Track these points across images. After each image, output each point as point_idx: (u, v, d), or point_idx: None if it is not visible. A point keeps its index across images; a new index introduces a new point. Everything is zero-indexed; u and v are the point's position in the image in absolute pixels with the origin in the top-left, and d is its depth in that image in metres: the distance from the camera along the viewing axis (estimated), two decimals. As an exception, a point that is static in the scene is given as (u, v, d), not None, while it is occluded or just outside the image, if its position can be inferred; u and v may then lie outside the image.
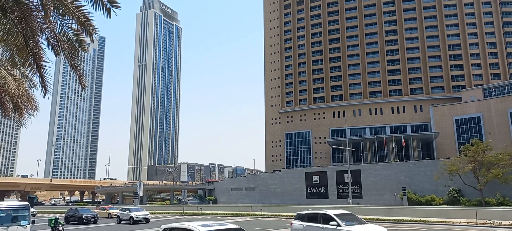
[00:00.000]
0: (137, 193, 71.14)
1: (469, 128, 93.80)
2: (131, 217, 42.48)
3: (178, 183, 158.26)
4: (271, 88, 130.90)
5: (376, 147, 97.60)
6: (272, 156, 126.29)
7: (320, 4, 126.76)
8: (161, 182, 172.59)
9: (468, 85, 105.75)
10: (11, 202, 23.73)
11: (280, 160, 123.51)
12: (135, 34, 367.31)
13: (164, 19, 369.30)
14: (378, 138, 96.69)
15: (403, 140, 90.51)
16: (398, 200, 70.34)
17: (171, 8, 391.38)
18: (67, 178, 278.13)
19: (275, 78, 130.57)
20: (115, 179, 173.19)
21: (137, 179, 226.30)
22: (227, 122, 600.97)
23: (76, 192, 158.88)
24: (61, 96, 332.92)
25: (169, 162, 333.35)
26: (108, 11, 12.19)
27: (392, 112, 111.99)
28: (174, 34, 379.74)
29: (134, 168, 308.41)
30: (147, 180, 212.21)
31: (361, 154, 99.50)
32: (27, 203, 22.05)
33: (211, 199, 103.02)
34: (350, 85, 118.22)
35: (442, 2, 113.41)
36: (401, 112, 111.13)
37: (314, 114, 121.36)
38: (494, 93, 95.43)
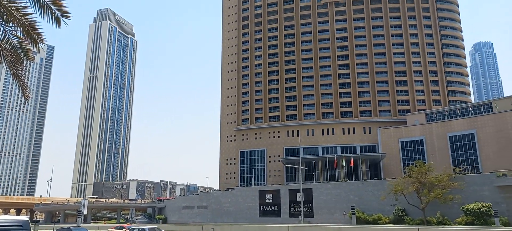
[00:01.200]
0: (80, 211, 66.85)
1: (413, 150, 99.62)
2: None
3: (126, 201, 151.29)
4: (228, 105, 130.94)
5: (328, 166, 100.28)
6: (226, 173, 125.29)
7: (277, 27, 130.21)
8: (108, 199, 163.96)
9: (413, 110, 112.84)
10: (6, 217, 18.47)
11: (234, 177, 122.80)
12: (87, 45, 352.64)
13: (119, 31, 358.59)
14: (330, 158, 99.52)
15: (352, 160, 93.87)
16: (347, 218, 72.24)
17: (127, 20, 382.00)
18: (2, 194, 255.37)
19: (231, 96, 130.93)
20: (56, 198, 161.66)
21: (82, 196, 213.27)
22: (181, 138, 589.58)
23: (12, 210, 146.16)
24: (0, 106, 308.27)
25: (118, 179, 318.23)
26: (57, 21, 11.59)
27: (343, 133, 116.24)
28: (129, 47, 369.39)
29: (79, 184, 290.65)
30: (92, 198, 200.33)
31: (314, 173, 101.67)
32: (27, 219, 17.57)
33: (161, 218, 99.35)
34: (305, 105, 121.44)
35: (390, 32, 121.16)
36: (351, 133, 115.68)
37: (269, 133, 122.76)
38: (435, 118, 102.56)
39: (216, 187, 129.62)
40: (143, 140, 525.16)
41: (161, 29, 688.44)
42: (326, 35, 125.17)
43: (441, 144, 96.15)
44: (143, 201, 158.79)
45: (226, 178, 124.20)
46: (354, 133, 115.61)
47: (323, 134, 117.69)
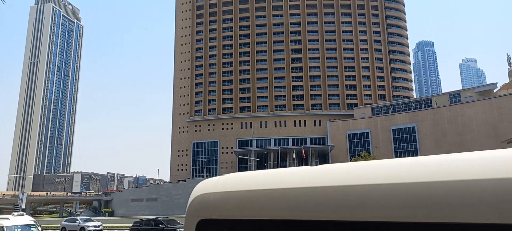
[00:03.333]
0: (18, 205, 62.19)
1: (360, 142, 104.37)
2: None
3: (69, 194, 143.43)
4: (180, 96, 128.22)
5: (279, 158, 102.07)
6: (178, 165, 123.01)
7: (232, 18, 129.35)
8: (49, 193, 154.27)
9: (360, 104, 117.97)
10: (22, 219, 18.61)
11: (186, 169, 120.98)
12: (27, 29, 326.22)
13: (63, 15, 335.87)
14: (282, 149, 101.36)
15: (303, 151, 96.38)
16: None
17: (73, 4, 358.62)
18: None
19: (184, 87, 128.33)
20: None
21: (20, 189, 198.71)
22: (131, 130, 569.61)
23: None
24: None
25: (61, 171, 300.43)
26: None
27: (295, 126, 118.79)
28: (74, 32, 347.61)
29: (16, 177, 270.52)
30: (32, 191, 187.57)
31: (266, 164, 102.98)
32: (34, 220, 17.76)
33: (107, 211, 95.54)
34: (258, 98, 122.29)
35: (341, 28, 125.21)
36: (303, 126, 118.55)
37: (223, 124, 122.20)
38: (380, 112, 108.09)
39: (167, 179, 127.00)
40: (90, 131, 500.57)
41: (110, 16, 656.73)
42: (280, 29, 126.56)
43: (385, 136, 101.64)
44: (88, 194, 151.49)
45: (178, 170, 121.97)
46: (305, 125, 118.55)
47: (275, 126, 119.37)
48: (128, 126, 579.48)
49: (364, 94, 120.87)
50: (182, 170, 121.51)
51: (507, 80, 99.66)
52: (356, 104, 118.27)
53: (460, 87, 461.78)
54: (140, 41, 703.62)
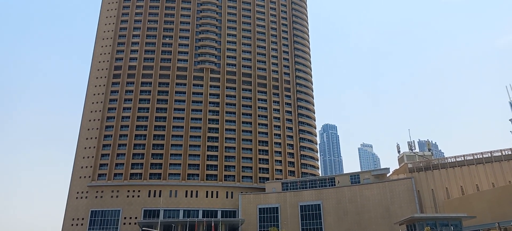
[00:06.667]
0: None
1: (270, 217, 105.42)
2: None
3: None
4: (84, 157, 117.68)
5: (188, 230, 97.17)
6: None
7: (152, 82, 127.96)
8: None
9: (271, 178, 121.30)
10: None
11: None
12: None
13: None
14: (191, 222, 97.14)
15: (213, 225, 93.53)
16: None
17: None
18: None
19: (90, 147, 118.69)
20: None
21: None
22: (18, 189, 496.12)
23: None
24: None
25: None
26: None
27: (207, 196, 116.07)
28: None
29: None
30: None
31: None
32: None
33: None
34: (171, 165, 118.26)
35: (257, 104, 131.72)
36: (214, 197, 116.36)
37: (128, 191, 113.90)
38: (290, 187, 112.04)
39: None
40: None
41: (22, 63, 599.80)
42: (199, 98, 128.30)
43: (293, 212, 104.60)
44: None
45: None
46: (217, 196, 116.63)
47: (186, 196, 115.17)
48: (16, 188, 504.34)
49: (275, 169, 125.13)
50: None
51: (397, 166, 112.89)
52: (268, 178, 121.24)
53: (359, 169, 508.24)
54: (48, 93, 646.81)
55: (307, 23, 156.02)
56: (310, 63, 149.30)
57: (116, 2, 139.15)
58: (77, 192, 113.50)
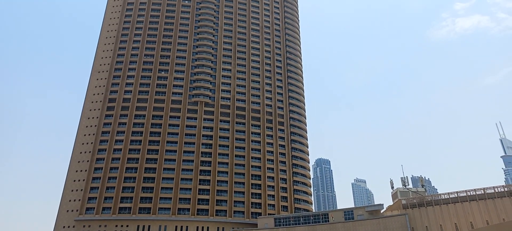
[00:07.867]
0: None
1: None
2: None
3: None
4: (72, 190, 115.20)
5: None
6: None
7: (145, 114, 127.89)
8: None
9: (264, 213, 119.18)
10: None
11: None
12: None
13: None
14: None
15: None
16: None
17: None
18: None
19: (79, 180, 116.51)
20: None
21: None
22: (4, 222, 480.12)
23: None
24: None
25: None
26: None
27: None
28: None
29: None
30: None
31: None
32: None
33: None
34: (161, 199, 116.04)
35: (251, 138, 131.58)
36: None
37: (116, 226, 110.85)
38: (282, 223, 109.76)
39: None
40: None
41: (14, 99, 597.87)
42: (193, 131, 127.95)
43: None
44: None
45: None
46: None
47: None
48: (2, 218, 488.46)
49: (268, 204, 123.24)
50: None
51: (391, 202, 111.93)
52: (260, 213, 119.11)
53: (352, 204, 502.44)
54: (41, 129, 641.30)
55: (301, 59, 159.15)
56: (304, 98, 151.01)
57: (114, 37, 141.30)
58: (63, 226, 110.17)
